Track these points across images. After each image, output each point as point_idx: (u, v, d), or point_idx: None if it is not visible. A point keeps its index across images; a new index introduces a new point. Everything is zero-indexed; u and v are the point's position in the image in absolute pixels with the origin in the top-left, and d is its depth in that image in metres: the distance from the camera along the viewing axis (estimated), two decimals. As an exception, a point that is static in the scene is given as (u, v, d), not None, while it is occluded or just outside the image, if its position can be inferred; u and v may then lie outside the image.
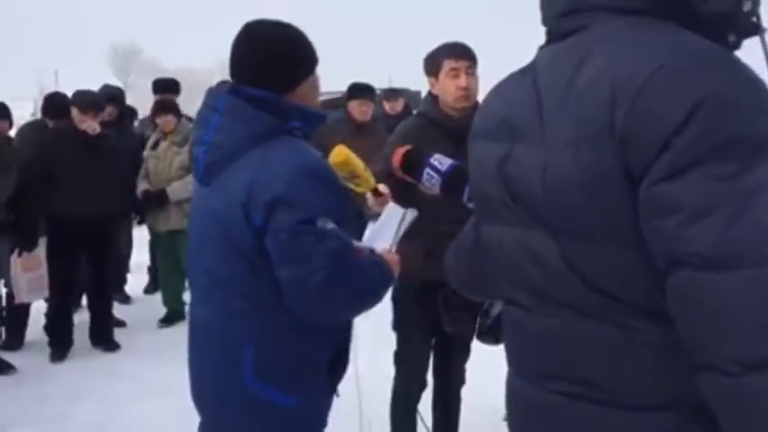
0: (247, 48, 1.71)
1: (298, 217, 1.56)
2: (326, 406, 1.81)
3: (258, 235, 1.59)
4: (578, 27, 1.01)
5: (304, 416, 1.73)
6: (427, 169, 1.82)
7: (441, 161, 1.82)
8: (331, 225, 1.58)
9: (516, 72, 1.15)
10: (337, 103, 8.45)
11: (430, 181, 1.82)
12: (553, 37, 1.06)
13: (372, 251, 1.75)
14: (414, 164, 1.87)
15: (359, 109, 5.43)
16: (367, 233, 1.92)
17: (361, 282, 1.65)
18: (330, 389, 1.80)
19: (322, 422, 1.82)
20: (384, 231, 1.86)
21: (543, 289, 1.02)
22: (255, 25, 1.73)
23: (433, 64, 2.56)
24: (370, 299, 1.69)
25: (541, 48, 1.10)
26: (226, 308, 1.68)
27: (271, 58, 1.68)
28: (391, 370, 2.84)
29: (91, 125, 4.50)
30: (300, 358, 1.69)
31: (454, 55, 2.51)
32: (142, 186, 5.08)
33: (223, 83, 1.80)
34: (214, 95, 1.73)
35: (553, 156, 0.96)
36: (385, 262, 1.73)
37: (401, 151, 1.97)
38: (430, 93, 2.63)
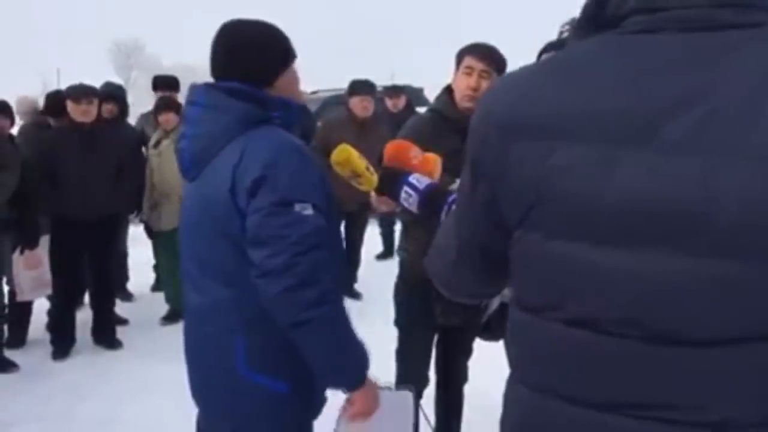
0: (223, 45, 1.75)
1: (272, 199, 1.59)
2: (320, 392, 1.83)
3: (244, 219, 1.62)
4: (747, 23, 0.91)
5: (297, 402, 1.76)
6: (405, 188, 1.79)
7: (419, 180, 1.79)
8: (309, 211, 1.60)
9: (559, 62, 1.01)
10: (341, 100, 8.45)
11: (408, 200, 1.79)
12: (683, 25, 0.92)
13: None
14: (391, 182, 1.86)
15: (360, 105, 5.43)
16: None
17: (327, 292, 1.60)
18: None
19: (316, 407, 1.84)
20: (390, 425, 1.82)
21: (669, 318, 0.92)
22: (230, 23, 1.78)
23: (457, 57, 2.57)
24: (328, 318, 1.62)
25: (639, 33, 0.95)
26: (217, 297, 1.71)
27: (246, 53, 1.73)
28: (386, 369, 2.84)
29: (85, 113, 4.48)
30: (291, 345, 1.69)
31: (474, 55, 2.51)
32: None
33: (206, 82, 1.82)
34: (194, 91, 1.78)
35: (733, 167, 0.86)
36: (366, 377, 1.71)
37: (397, 146, 1.95)
38: (448, 86, 2.63)
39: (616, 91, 0.92)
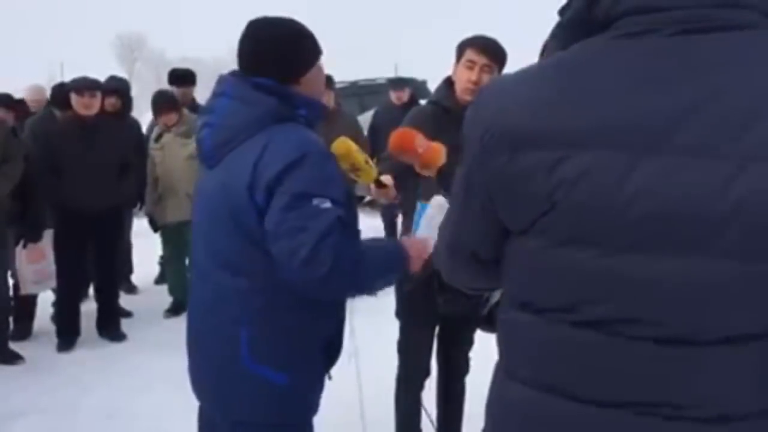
0: (251, 43, 1.76)
1: (291, 193, 1.60)
2: (320, 388, 1.85)
3: (260, 214, 1.63)
4: (741, 24, 0.92)
5: (298, 396, 1.77)
6: None
7: None
8: (327, 205, 1.61)
9: (561, 69, 1.00)
10: (347, 92, 8.43)
11: None
12: (680, 27, 0.93)
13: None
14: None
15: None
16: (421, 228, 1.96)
17: (356, 263, 1.65)
18: (324, 371, 1.85)
19: (315, 403, 1.86)
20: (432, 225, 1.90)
21: (686, 320, 0.92)
22: (259, 20, 1.79)
23: (459, 49, 2.56)
24: (368, 279, 1.73)
25: (635, 36, 0.95)
26: (225, 286, 1.73)
27: (274, 51, 1.74)
28: (387, 361, 2.85)
29: (88, 106, 4.48)
30: (295, 338, 1.74)
31: (476, 48, 2.49)
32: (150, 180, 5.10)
33: (233, 72, 1.84)
34: (222, 82, 1.79)
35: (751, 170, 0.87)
36: (402, 248, 1.79)
37: (403, 134, 1.97)
38: (448, 78, 2.62)
39: (624, 100, 0.92)
